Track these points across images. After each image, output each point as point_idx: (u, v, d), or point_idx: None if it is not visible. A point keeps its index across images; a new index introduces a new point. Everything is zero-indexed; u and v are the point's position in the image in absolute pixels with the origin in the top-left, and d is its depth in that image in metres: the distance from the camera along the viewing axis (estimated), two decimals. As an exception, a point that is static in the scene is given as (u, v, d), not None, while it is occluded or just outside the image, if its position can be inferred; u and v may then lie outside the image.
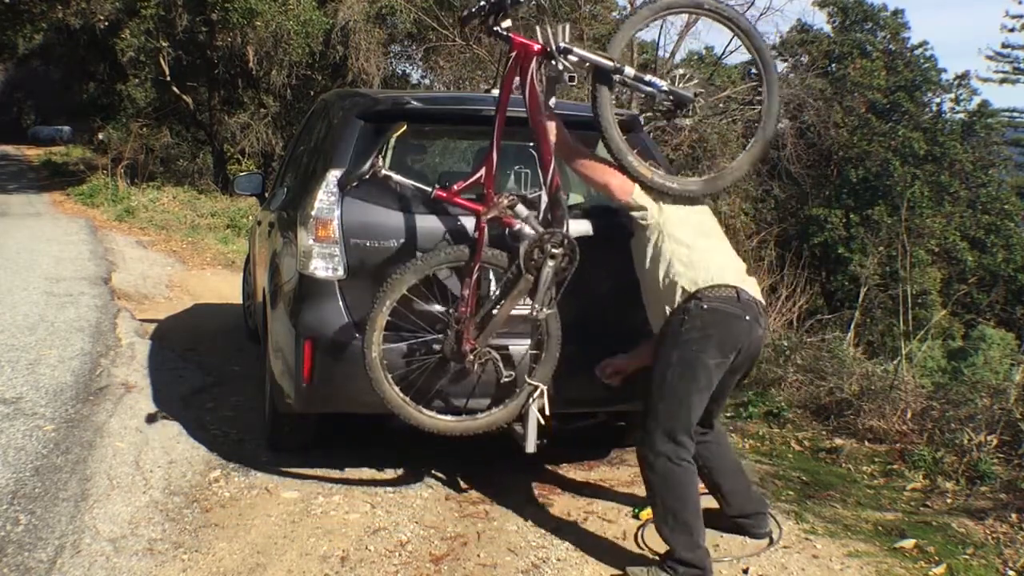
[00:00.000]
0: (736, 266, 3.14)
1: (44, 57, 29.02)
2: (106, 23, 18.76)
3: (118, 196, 15.53)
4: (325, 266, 3.38)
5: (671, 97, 3.22)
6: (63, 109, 36.77)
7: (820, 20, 27.03)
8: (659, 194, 3.12)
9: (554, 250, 3.11)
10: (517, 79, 3.16)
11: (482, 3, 3.17)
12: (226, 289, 8.22)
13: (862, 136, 24.01)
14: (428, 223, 3.37)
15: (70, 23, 19.73)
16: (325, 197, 3.38)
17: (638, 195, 3.11)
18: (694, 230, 3.11)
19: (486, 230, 3.14)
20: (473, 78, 15.85)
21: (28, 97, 43.83)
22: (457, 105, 4.17)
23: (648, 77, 3.22)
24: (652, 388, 3.01)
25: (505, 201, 3.15)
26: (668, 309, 3.03)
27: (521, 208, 3.17)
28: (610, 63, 3.14)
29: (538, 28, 3.20)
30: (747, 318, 2.97)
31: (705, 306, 2.95)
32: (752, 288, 3.08)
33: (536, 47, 3.15)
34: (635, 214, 3.13)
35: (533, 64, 3.15)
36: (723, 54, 15.18)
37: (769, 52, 3.43)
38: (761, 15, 14.56)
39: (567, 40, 3.15)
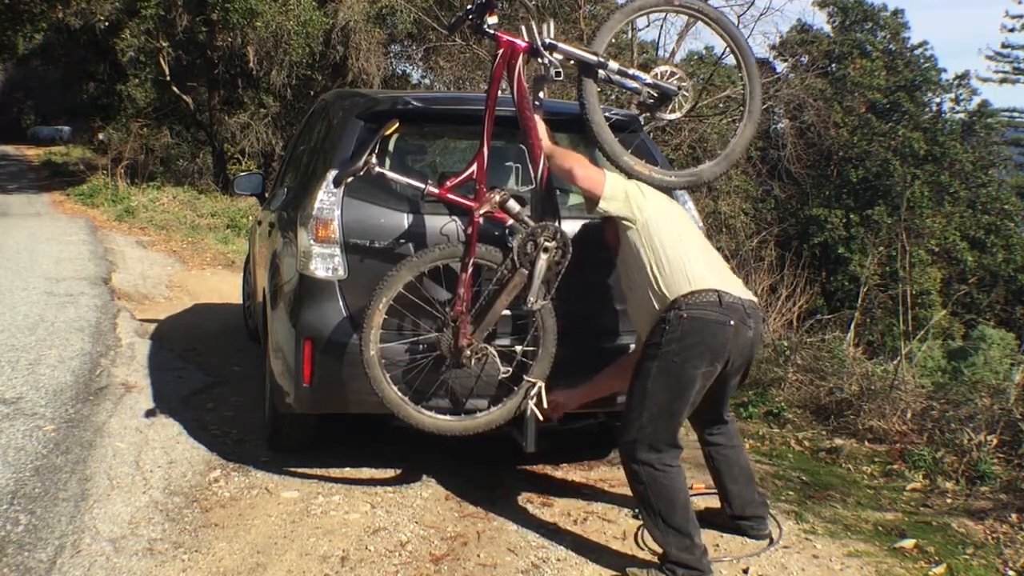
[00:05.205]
0: (718, 270, 3.07)
1: (44, 57, 28.99)
2: (106, 23, 18.75)
3: (118, 196, 15.50)
4: (325, 266, 3.38)
5: (655, 91, 3.28)
6: (63, 109, 36.76)
7: (820, 20, 27.13)
8: (638, 202, 3.06)
9: (547, 243, 3.11)
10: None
11: (468, 6, 3.23)
12: (226, 289, 8.22)
13: (862, 136, 24.05)
14: (429, 222, 3.37)
15: (70, 23, 19.72)
16: (326, 197, 3.39)
17: (611, 203, 3.04)
18: (673, 236, 3.02)
19: (479, 226, 3.15)
20: (473, 78, 15.87)
21: (28, 97, 43.78)
22: (457, 105, 4.17)
23: (632, 71, 3.32)
24: (633, 399, 2.97)
25: (497, 197, 3.16)
26: (650, 318, 2.99)
27: (512, 203, 3.18)
28: (594, 57, 3.19)
29: (523, 26, 3.24)
30: (731, 323, 2.90)
31: (685, 315, 2.88)
32: (737, 289, 3.00)
33: (522, 44, 3.19)
34: (602, 211, 3.06)
35: (520, 61, 3.19)
36: (723, 54, 15.19)
37: (748, 46, 3.49)
38: (761, 15, 14.63)
39: (552, 36, 3.20)
